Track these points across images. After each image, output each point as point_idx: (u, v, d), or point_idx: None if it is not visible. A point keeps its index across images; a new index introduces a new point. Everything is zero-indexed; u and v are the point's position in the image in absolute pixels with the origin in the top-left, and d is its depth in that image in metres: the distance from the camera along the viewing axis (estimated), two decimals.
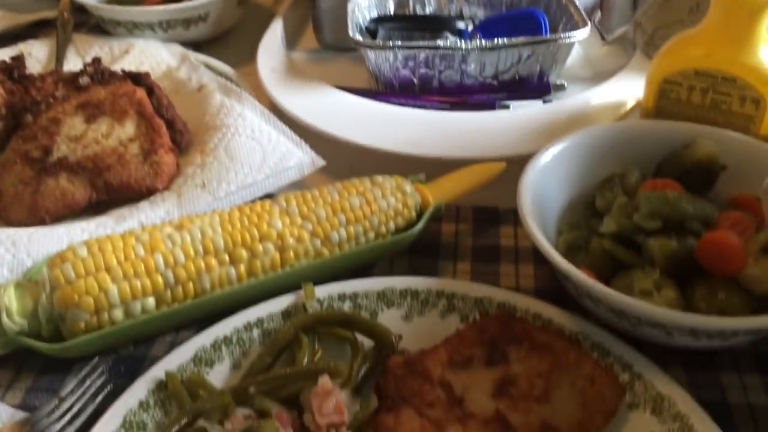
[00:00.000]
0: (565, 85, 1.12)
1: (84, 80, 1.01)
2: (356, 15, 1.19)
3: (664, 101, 0.89)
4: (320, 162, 0.96)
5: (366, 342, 0.73)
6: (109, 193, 0.92)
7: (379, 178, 0.86)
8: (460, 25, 1.19)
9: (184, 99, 1.08)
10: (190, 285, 0.76)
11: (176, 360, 0.70)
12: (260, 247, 0.78)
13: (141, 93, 1.00)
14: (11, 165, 0.92)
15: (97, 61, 1.08)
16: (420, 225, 0.85)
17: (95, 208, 0.91)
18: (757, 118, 0.84)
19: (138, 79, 1.03)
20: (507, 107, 1.07)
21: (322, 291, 0.77)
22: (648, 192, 0.75)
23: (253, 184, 0.92)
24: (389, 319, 0.75)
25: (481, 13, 1.25)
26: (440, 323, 0.75)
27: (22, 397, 0.72)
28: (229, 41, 1.37)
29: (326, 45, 1.28)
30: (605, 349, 0.70)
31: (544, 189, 0.80)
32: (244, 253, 0.78)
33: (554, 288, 0.80)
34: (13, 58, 1.12)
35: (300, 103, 1.06)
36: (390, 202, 0.84)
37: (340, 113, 1.04)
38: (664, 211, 0.73)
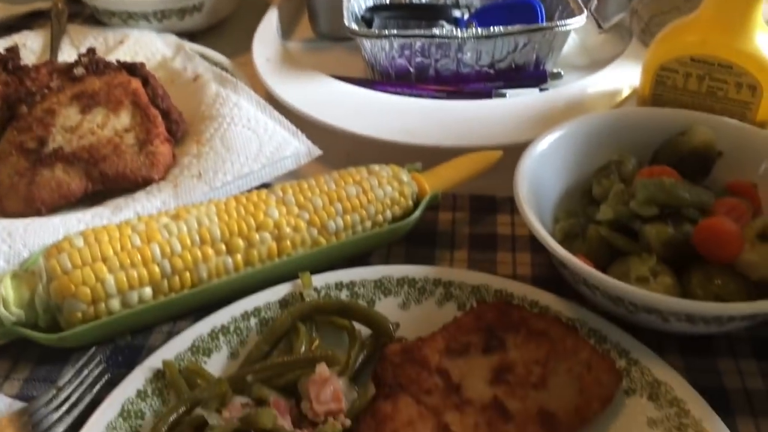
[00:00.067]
0: (562, 73, 1.12)
1: (79, 71, 1.00)
2: (352, 4, 1.18)
3: (660, 88, 0.89)
4: (317, 151, 0.96)
5: (363, 330, 0.73)
6: (105, 183, 0.92)
7: (376, 167, 0.86)
8: (456, 13, 1.18)
9: (179, 89, 1.08)
10: (187, 275, 0.76)
11: (174, 349, 0.71)
12: (257, 237, 0.78)
13: (136, 83, 0.99)
14: (6, 156, 0.92)
15: (91, 51, 1.07)
16: (417, 214, 0.85)
17: (91, 198, 0.91)
18: (753, 104, 0.85)
19: (133, 69, 1.03)
20: (503, 96, 1.07)
21: (320, 280, 0.77)
22: (644, 179, 0.75)
23: (249, 173, 0.92)
24: (386, 307, 0.75)
25: (477, 2, 1.25)
26: (437, 311, 0.75)
27: (19, 387, 0.72)
28: (224, 31, 1.36)
29: (322, 34, 1.27)
30: (602, 335, 0.70)
31: (541, 177, 0.80)
32: (240, 243, 0.78)
33: (551, 275, 0.80)
34: (8, 50, 1.12)
35: (296, 92, 1.05)
36: (387, 191, 0.84)
37: (336, 102, 1.04)
38: (661, 198, 0.73)
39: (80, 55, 1.05)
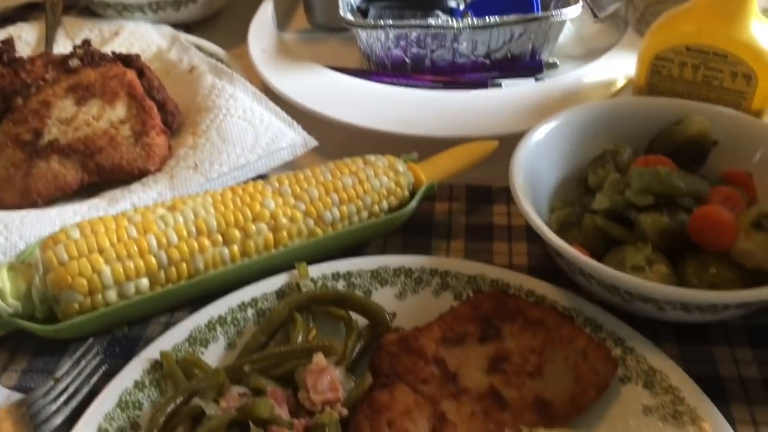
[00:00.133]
0: (558, 63, 1.12)
1: (74, 63, 1.00)
2: None
3: (656, 78, 0.89)
4: (313, 142, 0.96)
5: (360, 320, 0.73)
6: (101, 175, 0.91)
7: (372, 158, 0.86)
8: (452, 3, 1.18)
9: (175, 81, 1.08)
10: (184, 266, 0.76)
11: (171, 340, 0.71)
12: (253, 228, 0.78)
13: (131, 75, 0.99)
14: (2, 148, 0.91)
15: (86, 43, 1.07)
16: (413, 204, 0.85)
17: (87, 190, 0.91)
18: (748, 93, 0.85)
19: (128, 61, 1.03)
20: (499, 86, 1.07)
21: (316, 270, 0.77)
22: (640, 168, 0.76)
23: (245, 165, 0.92)
24: (383, 297, 0.75)
25: None
26: (434, 301, 0.75)
27: (17, 378, 0.72)
28: (219, 22, 1.36)
29: (317, 25, 1.27)
30: (598, 324, 0.70)
31: (537, 167, 0.80)
32: (237, 234, 0.78)
33: (547, 265, 0.80)
34: (3, 42, 1.12)
35: (292, 83, 1.05)
36: (383, 181, 0.84)
37: (332, 93, 1.04)
38: (656, 187, 0.73)
39: (75, 47, 1.05)
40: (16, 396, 0.70)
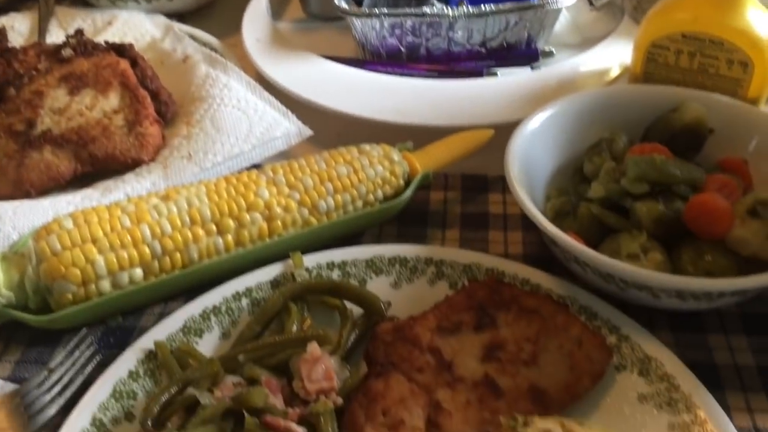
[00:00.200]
0: (553, 52, 1.11)
1: (67, 52, 0.99)
2: None
3: (652, 66, 0.89)
4: (307, 132, 0.96)
5: (355, 310, 0.73)
6: (94, 165, 0.91)
7: (367, 147, 0.86)
8: None
9: (169, 70, 1.07)
10: (178, 255, 0.76)
11: (165, 330, 0.70)
12: (247, 217, 0.78)
13: (125, 64, 0.99)
14: None
15: (79, 32, 1.06)
16: (408, 193, 0.85)
17: (81, 180, 0.91)
18: (744, 81, 0.84)
19: (121, 50, 1.02)
20: (495, 74, 1.07)
21: (311, 260, 0.77)
22: (635, 156, 0.75)
23: (239, 154, 0.92)
24: (378, 286, 0.75)
25: None
26: (429, 290, 0.75)
27: (11, 369, 0.72)
28: (213, 12, 1.35)
29: (312, 14, 1.26)
30: (593, 312, 0.70)
31: (532, 155, 0.80)
32: (231, 223, 0.78)
33: (543, 254, 0.80)
34: None
35: (286, 73, 1.05)
36: (377, 170, 0.84)
37: (327, 83, 1.03)
38: (652, 175, 0.73)
39: (68, 37, 1.04)
40: (10, 387, 0.70)
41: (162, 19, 1.22)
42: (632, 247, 0.70)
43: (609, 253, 0.69)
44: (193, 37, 1.15)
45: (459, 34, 1.09)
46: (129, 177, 0.89)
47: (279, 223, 0.79)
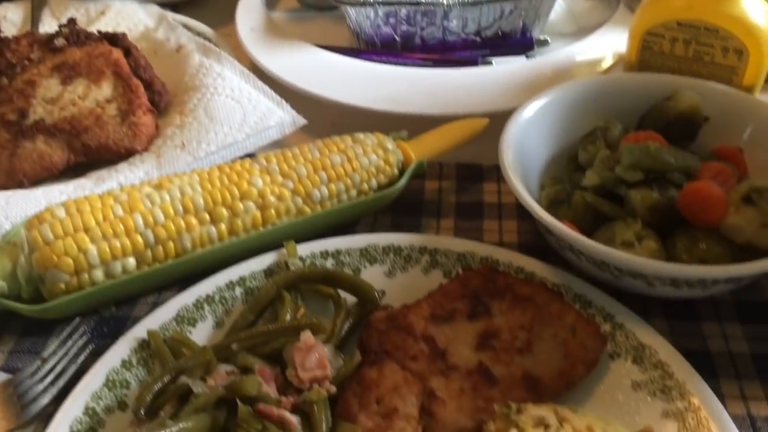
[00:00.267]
0: (548, 40, 1.11)
1: (59, 42, 0.99)
2: None
3: (647, 54, 0.88)
4: (301, 121, 0.95)
5: (349, 298, 0.72)
6: (87, 155, 0.90)
7: (361, 136, 0.86)
8: None
9: (162, 60, 1.07)
10: (171, 244, 0.76)
11: (159, 319, 0.70)
12: (241, 206, 0.78)
13: (117, 54, 0.98)
14: None
15: (72, 22, 1.05)
16: (402, 182, 0.84)
17: (74, 170, 0.90)
18: (739, 69, 0.84)
19: (114, 40, 1.01)
20: (490, 63, 1.07)
21: (305, 248, 0.77)
22: (630, 144, 0.75)
23: (233, 143, 0.91)
24: (372, 275, 0.75)
25: None
26: (423, 279, 0.75)
27: (4, 359, 0.72)
28: (207, 1, 1.34)
29: (306, 4, 1.26)
30: (587, 300, 0.70)
31: (527, 144, 0.79)
32: (224, 212, 0.77)
33: (537, 242, 0.80)
34: None
35: (280, 62, 1.04)
36: (371, 159, 0.84)
37: (321, 72, 1.03)
38: (646, 163, 0.73)
39: (61, 26, 1.03)
40: (3, 376, 0.69)
41: (155, 9, 1.21)
42: (627, 235, 0.70)
43: (603, 241, 0.69)
44: (186, 27, 1.14)
45: (454, 23, 1.08)
46: (122, 166, 0.88)
47: (272, 212, 0.79)
